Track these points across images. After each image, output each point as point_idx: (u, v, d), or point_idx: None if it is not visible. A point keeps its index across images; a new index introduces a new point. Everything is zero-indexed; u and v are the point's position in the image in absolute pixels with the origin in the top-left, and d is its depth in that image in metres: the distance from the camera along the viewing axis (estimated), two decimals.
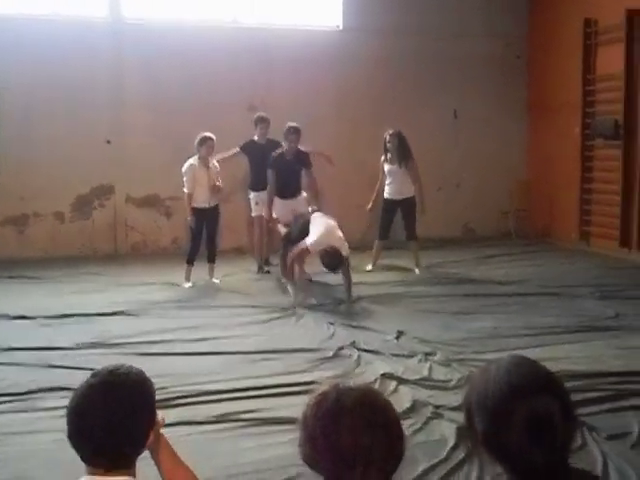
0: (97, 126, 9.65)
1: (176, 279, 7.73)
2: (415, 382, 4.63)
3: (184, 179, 7.62)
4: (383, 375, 4.71)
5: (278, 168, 7.98)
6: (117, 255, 9.81)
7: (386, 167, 8.24)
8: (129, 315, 6.45)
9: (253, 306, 6.71)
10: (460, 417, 3.85)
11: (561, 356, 5.12)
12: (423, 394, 4.44)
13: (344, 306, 6.74)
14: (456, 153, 11.01)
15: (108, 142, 9.76)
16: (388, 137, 8.12)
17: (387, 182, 8.27)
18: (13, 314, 6.40)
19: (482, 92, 10.93)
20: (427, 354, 5.19)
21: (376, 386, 4.50)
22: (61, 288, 7.59)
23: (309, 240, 6.82)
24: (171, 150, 9.26)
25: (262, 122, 8.69)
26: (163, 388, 4.49)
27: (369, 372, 4.83)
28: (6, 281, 7.98)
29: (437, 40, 10.74)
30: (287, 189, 8.02)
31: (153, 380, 4.17)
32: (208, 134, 7.69)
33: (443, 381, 4.67)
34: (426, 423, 4.01)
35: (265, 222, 8.20)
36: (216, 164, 7.87)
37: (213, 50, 9.93)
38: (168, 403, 4.28)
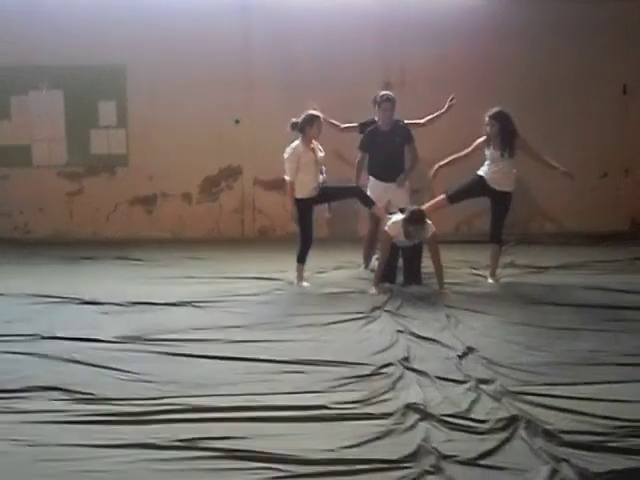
0: (226, 105, 9.41)
1: (287, 273, 7.08)
2: (442, 419, 3.74)
3: (286, 166, 6.73)
4: (407, 406, 3.87)
5: (372, 146, 7.15)
6: (244, 239, 9.54)
7: (487, 152, 6.90)
8: (194, 307, 6.06)
9: (328, 307, 6.03)
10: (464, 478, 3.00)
11: None
12: (440, 436, 3.55)
13: (431, 300, 6.13)
14: (625, 134, 9.52)
15: (237, 122, 9.47)
16: (487, 120, 6.78)
17: (487, 164, 6.92)
18: (85, 299, 6.26)
19: None
20: (483, 381, 4.23)
21: (392, 419, 3.74)
22: (153, 273, 7.40)
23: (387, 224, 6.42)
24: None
25: (387, 102, 7.84)
26: (157, 398, 4.07)
27: (396, 400, 4.00)
28: (108, 262, 7.98)
29: (601, 3, 9.27)
30: (386, 169, 7.15)
31: (156, 388, 3.99)
32: (316, 112, 6.84)
33: (478, 421, 3.73)
34: None
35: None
36: (320, 147, 6.99)
37: (346, 24, 9.29)
38: (143, 418, 3.80)
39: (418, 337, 5.14)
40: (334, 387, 4.24)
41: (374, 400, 4.03)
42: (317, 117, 6.71)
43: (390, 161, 7.18)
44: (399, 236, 6.57)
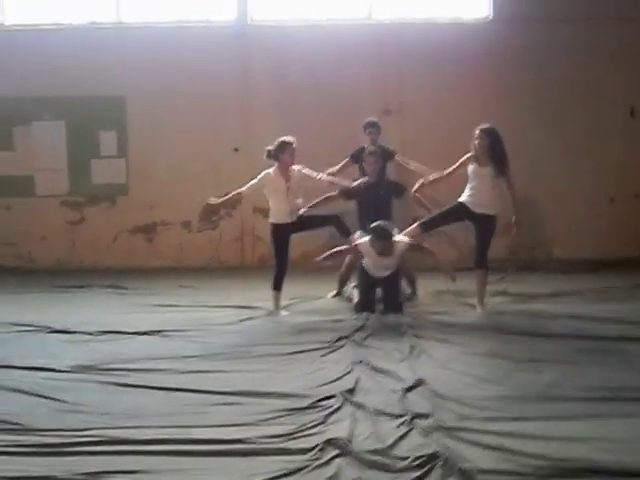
0: (225, 134, 9.42)
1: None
2: (360, 455, 3.56)
3: (250, 182, 6.77)
4: (328, 441, 3.71)
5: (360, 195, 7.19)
6: (243, 267, 9.49)
7: (471, 168, 6.60)
8: (162, 336, 6.00)
9: (295, 337, 5.91)
10: None
11: (597, 436, 3.73)
12: (352, 474, 3.38)
13: (402, 330, 5.96)
14: (634, 158, 9.21)
15: (236, 150, 9.47)
16: (478, 132, 6.54)
17: (469, 186, 6.64)
18: (56, 327, 6.26)
19: None
20: (419, 416, 4.04)
21: (308, 455, 3.59)
22: (136, 301, 7.40)
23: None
24: (301, 158, 8.65)
25: (371, 127, 7.81)
26: (82, 429, 3.98)
27: (321, 434, 3.84)
28: (97, 291, 8.01)
29: (609, 26, 9.04)
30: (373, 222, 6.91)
31: (86, 419, 3.91)
32: (288, 138, 6.75)
33: (397, 458, 3.54)
34: None
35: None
36: (301, 169, 6.82)
37: (345, 50, 9.27)
38: (58, 449, 3.71)
39: (372, 369, 4.96)
40: (264, 420, 4.10)
41: (299, 434, 3.87)
42: (289, 144, 6.64)
43: (376, 213, 6.99)
44: (371, 255, 6.53)
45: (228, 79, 9.32)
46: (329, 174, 7.67)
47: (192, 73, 9.26)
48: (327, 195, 7.45)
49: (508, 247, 9.35)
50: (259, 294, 7.33)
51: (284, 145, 6.64)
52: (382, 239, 6.44)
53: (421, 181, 6.91)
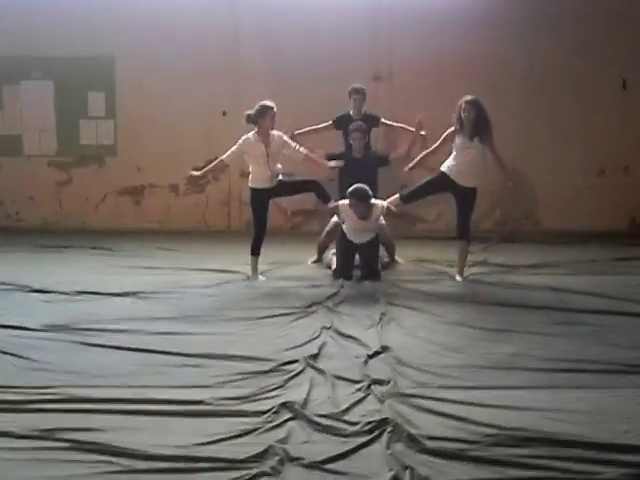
0: (213, 97, 9.35)
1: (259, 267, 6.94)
2: (312, 419, 3.59)
3: (230, 149, 6.74)
4: (283, 404, 3.75)
5: (343, 170, 7.26)
6: (230, 232, 9.48)
7: (457, 140, 6.55)
8: (137, 298, 6.03)
9: (268, 301, 5.94)
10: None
11: (552, 407, 3.76)
12: (300, 437, 3.42)
13: (375, 297, 6.00)
14: (625, 130, 9.14)
15: (224, 114, 9.40)
16: (464, 105, 6.46)
17: (453, 156, 6.61)
18: (35, 287, 6.29)
19: None
20: (377, 382, 4.07)
21: (264, 417, 3.63)
22: (117, 262, 7.42)
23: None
24: (290, 122, 8.58)
25: (356, 93, 7.75)
26: (42, 387, 4.05)
27: (278, 398, 3.87)
28: (80, 251, 8.02)
29: None
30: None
31: (49, 377, 3.99)
32: (268, 102, 6.64)
33: (348, 423, 3.57)
34: None
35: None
36: (282, 135, 6.80)
37: (334, 17, 9.14)
38: (17, 406, 3.78)
39: (340, 334, 5.00)
40: (224, 382, 4.14)
41: (256, 397, 3.91)
42: (269, 108, 6.58)
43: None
44: (351, 218, 6.59)
45: (218, 42, 9.23)
46: (309, 131, 7.72)
47: (182, 35, 9.17)
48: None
49: (495, 218, 9.37)
50: (241, 258, 7.31)
51: (264, 109, 6.59)
52: (361, 201, 6.44)
53: (408, 166, 6.93)
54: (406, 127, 7.76)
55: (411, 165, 6.94)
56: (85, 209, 9.57)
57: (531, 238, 8.81)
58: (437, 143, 6.81)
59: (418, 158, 6.94)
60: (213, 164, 6.93)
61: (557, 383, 4.12)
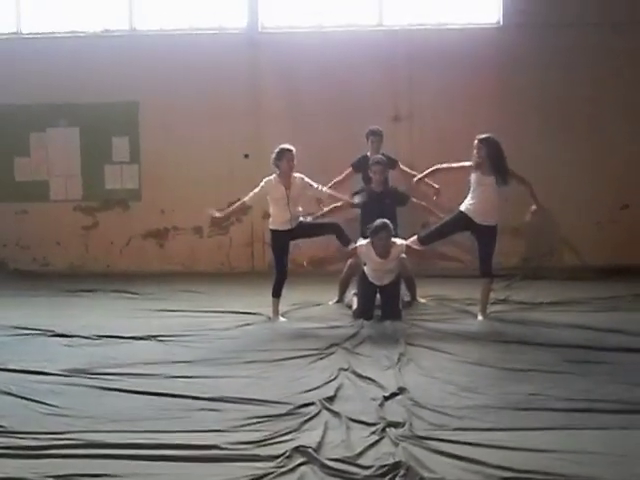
0: (235, 140, 9.50)
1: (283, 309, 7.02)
2: (325, 463, 3.58)
3: (252, 191, 6.84)
4: (296, 449, 3.74)
5: (364, 205, 7.24)
6: (254, 273, 9.53)
7: (474, 176, 6.58)
8: (157, 341, 6.08)
9: (288, 343, 5.96)
10: None
11: (569, 448, 3.70)
12: None
13: (395, 337, 5.96)
14: None
15: (246, 156, 9.53)
16: (476, 142, 6.52)
17: (471, 195, 6.61)
18: (58, 331, 6.37)
19: None
20: (392, 424, 4.05)
21: (275, 462, 3.63)
22: (140, 306, 7.51)
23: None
24: (310, 164, 8.61)
25: (373, 135, 7.82)
26: (61, 432, 4.06)
27: (292, 442, 3.86)
28: (104, 295, 8.11)
29: (617, 31, 8.95)
30: None
31: (68, 422, 4.09)
32: (287, 146, 6.77)
33: (362, 467, 3.55)
34: None
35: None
36: (303, 177, 6.84)
37: (355, 56, 9.28)
38: (35, 452, 3.80)
39: (357, 376, 4.98)
40: (240, 426, 4.13)
41: (271, 441, 3.90)
42: (287, 151, 6.68)
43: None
44: (371, 259, 6.55)
45: (239, 86, 9.41)
46: (335, 183, 7.76)
47: (204, 80, 9.36)
48: (334, 205, 7.47)
49: (520, 254, 9.31)
50: (264, 300, 7.33)
51: (282, 152, 6.69)
52: (381, 232, 6.44)
53: (418, 176, 7.05)
54: (421, 177, 7.61)
55: (420, 176, 7.03)
56: (110, 253, 9.71)
57: (554, 274, 8.75)
58: (454, 164, 6.80)
59: (431, 169, 6.94)
60: (235, 205, 7.02)
61: (575, 424, 4.06)
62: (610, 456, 3.63)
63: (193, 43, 9.38)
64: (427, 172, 6.97)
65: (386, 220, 6.57)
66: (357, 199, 7.20)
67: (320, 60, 9.25)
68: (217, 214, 6.99)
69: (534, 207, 6.73)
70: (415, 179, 7.11)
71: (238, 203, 6.99)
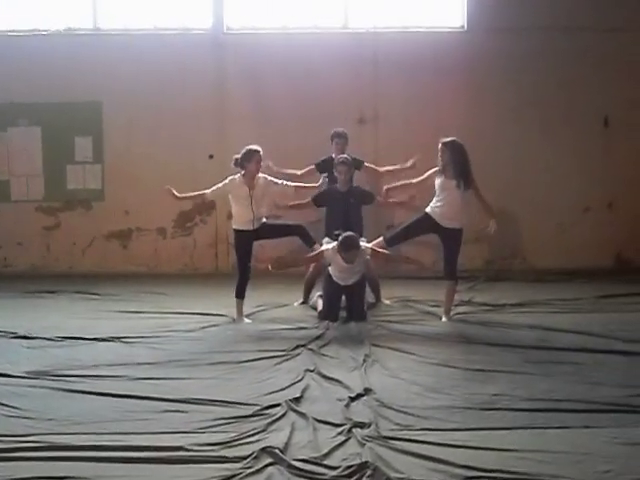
0: (200, 140, 9.44)
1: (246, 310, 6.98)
2: (292, 464, 3.57)
3: (215, 185, 6.81)
4: (263, 449, 3.73)
5: (328, 204, 7.22)
6: (218, 274, 9.49)
7: (438, 180, 6.62)
8: (121, 342, 6.02)
9: (253, 344, 5.94)
10: None
11: (533, 447, 3.75)
12: None
13: (360, 338, 5.98)
14: (607, 167, 9.25)
15: (211, 157, 9.48)
16: (440, 146, 6.55)
17: (436, 198, 6.66)
18: (20, 333, 6.27)
19: None
20: (358, 425, 4.06)
21: (242, 463, 3.61)
22: (103, 307, 7.42)
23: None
24: (275, 164, 8.67)
25: (338, 137, 7.83)
26: (23, 435, 4.00)
27: (259, 443, 3.85)
28: (66, 296, 8.01)
29: (584, 35, 9.09)
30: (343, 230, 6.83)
31: (30, 425, 4.02)
32: (255, 147, 6.73)
33: (328, 467, 3.55)
34: None
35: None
36: (267, 177, 6.82)
37: (320, 58, 9.28)
38: None
39: (323, 377, 4.98)
40: (206, 428, 4.11)
41: (238, 442, 3.88)
42: (256, 152, 6.66)
43: (346, 223, 6.94)
44: (337, 262, 6.52)
45: (204, 86, 9.36)
46: (295, 177, 7.74)
47: (168, 80, 9.30)
48: (298, 202, 7.45)
49: (483, 257, 9.41)
50: (228, 301, 7.29)
51: (251, 153, 6.66)
52: (352, 250, 6.41)
53: (387, 186, 7.08)
54: (390, 168, 7.84)
55: (390, 186, 7.07)
56: (73, 254, 9.59)
57: (518, 276, 8.87)
58: (420, 177, 6.86)
59: (399, 183, 7.05)
60: (195, 193, 6.99)
61: (539, 423, 4.12)
62: (573, 455, 3.68)
63: (158, 43, 9.31)
64: (399, 184, 7.02)
65: (354, 235, 6.50)
66: (321, 180, 7.22)
67: (285, 62, 9.25)
68: (176, 193, 6.88)
69: (493, 221, 6.72)
70: (385, 187, 7.09)
71: (198, 192, 6.95)
